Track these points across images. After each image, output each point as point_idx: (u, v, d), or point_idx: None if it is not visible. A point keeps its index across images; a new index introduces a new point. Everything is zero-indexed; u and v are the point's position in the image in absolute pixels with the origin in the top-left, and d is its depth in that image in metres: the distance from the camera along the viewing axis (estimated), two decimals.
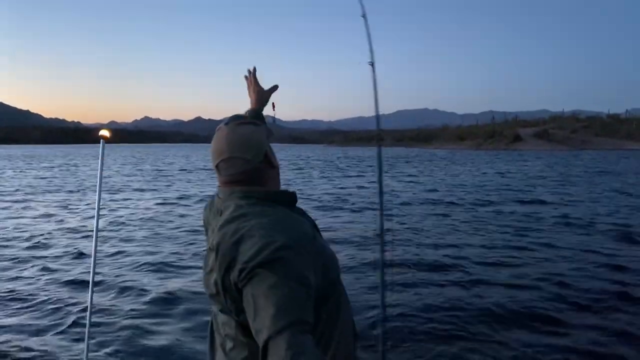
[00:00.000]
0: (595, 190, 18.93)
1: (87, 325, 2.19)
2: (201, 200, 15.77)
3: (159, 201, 16.07)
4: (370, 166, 40.24)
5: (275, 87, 1.95)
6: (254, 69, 1.97)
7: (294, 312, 1.11)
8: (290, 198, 1.41)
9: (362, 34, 2.31)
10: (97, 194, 2.21)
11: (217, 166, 1.40)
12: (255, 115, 1.87)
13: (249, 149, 1.36)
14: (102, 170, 2.21)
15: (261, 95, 1.94)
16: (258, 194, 1.36)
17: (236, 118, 1.45)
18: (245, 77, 1.98)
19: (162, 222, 11.63)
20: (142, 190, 20.31)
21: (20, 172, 34.01)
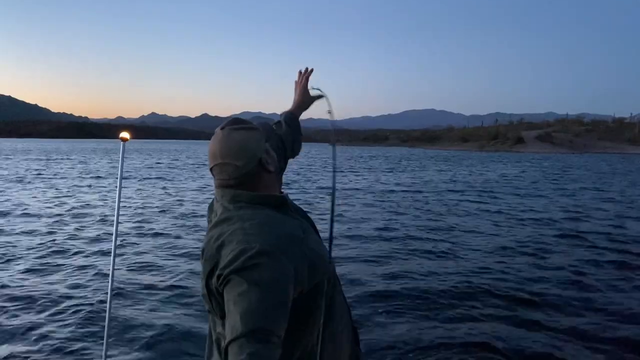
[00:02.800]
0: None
1: (108, 310, 2.29)
2: None
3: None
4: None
5: (320, 96, 1.88)
6: (311, 70, 1.90)
7: (257, 320, 1.11)
8: (277, 201, 1.39)
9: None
10: (117, 193, 2.30)
11: (211, 169, 1.41)
12: (291, 118, 1.82)
13: (241, 156, 1.36)
14: (122, 171, 2.32)
15: (304, 100, 1.88)
16: (245, 197, 1.35)
17: (234, 122, 1.43)
18: (300, 72, 1.91)
19: None
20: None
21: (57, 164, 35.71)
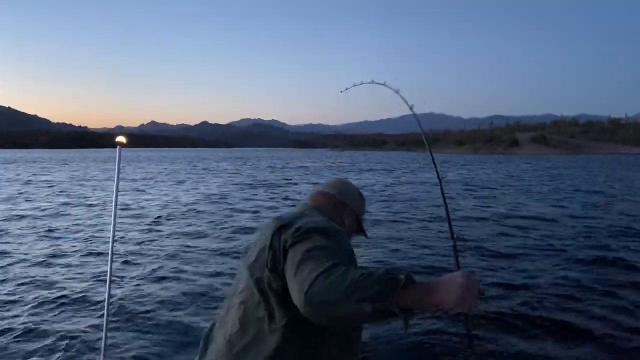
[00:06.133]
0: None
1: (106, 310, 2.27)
2: None
3: None
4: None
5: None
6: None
7: (340, 258, 1.23)
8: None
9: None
10: (113, 198, 2.30)
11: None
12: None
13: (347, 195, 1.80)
14: (119, 175, 2.30)
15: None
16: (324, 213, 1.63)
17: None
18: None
19: None
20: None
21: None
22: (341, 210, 1.73)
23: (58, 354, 4.29)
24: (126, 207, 14.46)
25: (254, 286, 1.43)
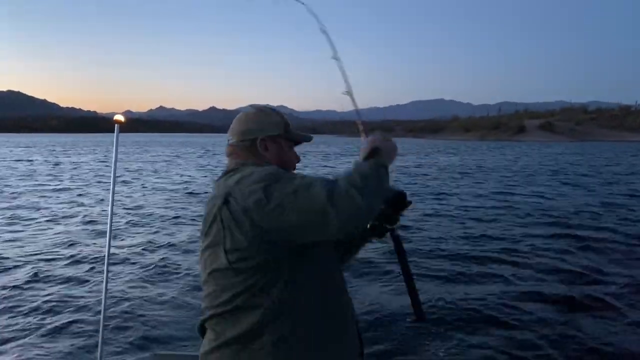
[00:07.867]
0: None
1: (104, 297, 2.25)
2: None
3: None
4: None
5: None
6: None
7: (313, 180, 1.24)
8: None
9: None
10: (112, 177, 2.24)
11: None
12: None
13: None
14: (117, 154, 2.24)
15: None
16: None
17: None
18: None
19: None
20: None
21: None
22: (256, 148, 1.41)
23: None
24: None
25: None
